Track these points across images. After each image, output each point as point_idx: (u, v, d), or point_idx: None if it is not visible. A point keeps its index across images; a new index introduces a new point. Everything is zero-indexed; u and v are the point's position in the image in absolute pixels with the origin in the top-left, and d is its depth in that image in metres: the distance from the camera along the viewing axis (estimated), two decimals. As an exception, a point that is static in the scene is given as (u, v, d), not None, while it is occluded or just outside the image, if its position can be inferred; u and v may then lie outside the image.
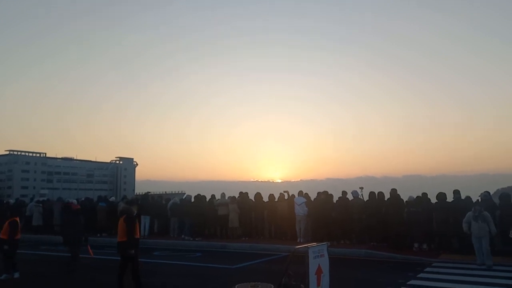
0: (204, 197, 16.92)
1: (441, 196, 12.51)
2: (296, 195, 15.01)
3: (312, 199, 14.88)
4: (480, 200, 12.12)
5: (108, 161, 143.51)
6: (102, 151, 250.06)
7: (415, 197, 13.14)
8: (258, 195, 16.13)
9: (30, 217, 19.06)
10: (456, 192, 12.53)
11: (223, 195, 16.67)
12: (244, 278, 8.92)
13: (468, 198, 12.39)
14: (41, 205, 19.64)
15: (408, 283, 8.62)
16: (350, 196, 14.39)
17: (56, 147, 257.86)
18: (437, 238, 12.42)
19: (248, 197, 16.42)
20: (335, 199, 14.46)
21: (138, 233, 8.37)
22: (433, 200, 12.74)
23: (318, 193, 15.01)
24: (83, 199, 20.60)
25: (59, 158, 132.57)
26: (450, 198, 12.53)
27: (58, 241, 16.78)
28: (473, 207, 10.50)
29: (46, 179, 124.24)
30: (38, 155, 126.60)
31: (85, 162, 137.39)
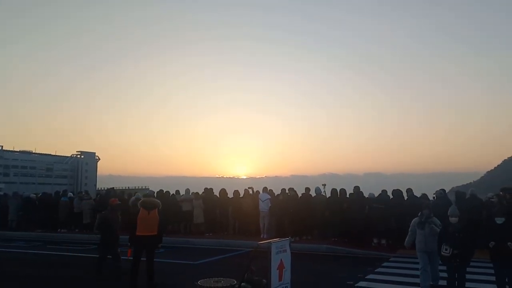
0: (168, 192, 16.75)
1: (397, 193, 12.92)
2: (261, 192, 15.12)
3: (276, 195, 15.05)
4: (435, 197, 12.53)
5: (69, 155, 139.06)
6: (63, 145, 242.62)
7: (375, 194, 13.49)
8: (223, 191, 16.13)
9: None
10: (409, 190, 12.94)
11: (187, 191, 16.56)
12: (207, 273, 8.92)
13: (424, 195, 12.84)
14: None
15: (366, 277, 8.89)
16: (313, 193, 14.64)
17: (14, 140, 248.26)
18: (396, 234, 12.78)
19: (213, 193, 16.38)
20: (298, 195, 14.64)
21: None
22: (391, 197, 13.13)
23: (282, 189, 15.18)
24: (40, 194, 19.91)
25: (16, 151, 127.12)
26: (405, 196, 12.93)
27: (12, 237, 16.37)
28: (420, 211, 8.13)
29: (2, 172, 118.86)
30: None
31: (44, 156, 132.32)
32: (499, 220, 6.96)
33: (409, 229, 8.20)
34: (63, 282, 8.94)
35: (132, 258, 7.90)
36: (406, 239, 8.26)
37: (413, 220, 8.18)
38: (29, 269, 10.49)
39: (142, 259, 7.90)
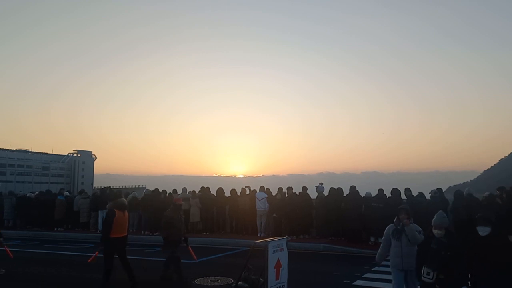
0: (164, 191, 16.74)
1: (395, 192, 12.91)
2: (258, 191, 15.12)
3: (274, 194, 15.04)
4: (431, 197, 12.45)
5: (65, 153, 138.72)
6: (59, 144, 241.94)
7: (372, 192, 13.48)
8: (220, 190, 16.11)
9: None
10: (407, 190, 12.98)
11: (184, 189, 16.56)
12: (204, 272, 8.93)
13: (420, 194, 12.85)
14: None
15: (364, 276, 8.91)
16: (311, 192, 14.64)
17: (10, 138, 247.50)
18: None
19: (210, 192, 16.38)
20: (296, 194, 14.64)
21: None
22: (388, 195, 13.12)
23: (279, 188, 15.18)
24: (37, 192, 19.86)
25: (13, 150, 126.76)
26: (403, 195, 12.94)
27: (8, 236, 16.24)
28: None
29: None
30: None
31: (41, 155, 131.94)
32: (483, 231, 5.01)
33: (382, 238, 6.36)
34: (67, 282, 8.90)
35: (104, 260, 7.65)
36: (378, 252, 6.39)
37: (387, 227, 6.28)
38: (29, 269, 10.37)
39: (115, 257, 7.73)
